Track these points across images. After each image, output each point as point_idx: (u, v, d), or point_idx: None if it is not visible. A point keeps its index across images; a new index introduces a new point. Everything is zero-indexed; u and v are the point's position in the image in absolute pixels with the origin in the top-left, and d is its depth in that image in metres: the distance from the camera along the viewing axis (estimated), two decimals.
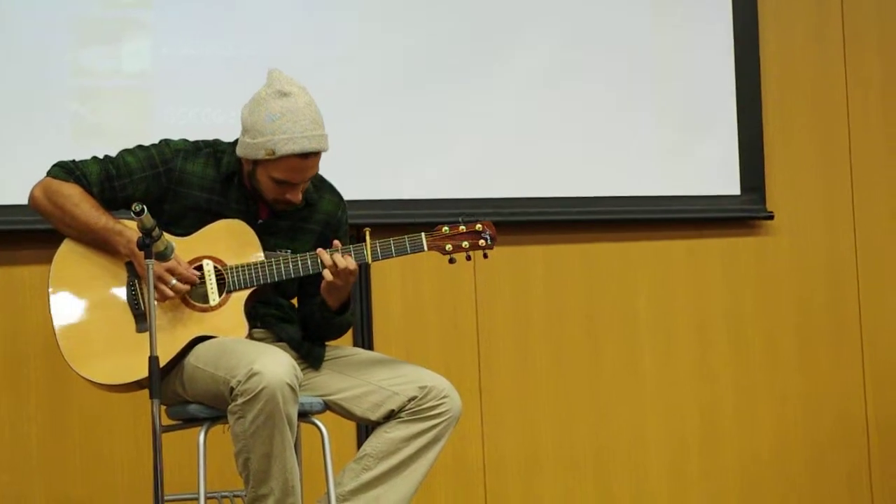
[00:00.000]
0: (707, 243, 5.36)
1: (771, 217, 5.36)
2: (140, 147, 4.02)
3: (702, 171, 5.33)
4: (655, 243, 5.32)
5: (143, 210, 3.60)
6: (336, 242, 3.94)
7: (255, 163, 3.93)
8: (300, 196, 3.96)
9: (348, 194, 4.18)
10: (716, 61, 5.35)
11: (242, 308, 3.92)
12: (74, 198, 3.94)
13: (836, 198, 5.48)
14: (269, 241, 3.98)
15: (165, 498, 3.60)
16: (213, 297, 3.93)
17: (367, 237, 3.93)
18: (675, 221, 5.33)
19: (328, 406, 4.02)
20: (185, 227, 3.97)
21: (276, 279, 3.93)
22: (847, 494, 5.38)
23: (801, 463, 5.37)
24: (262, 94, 3.93)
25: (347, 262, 3.90)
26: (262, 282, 3.93)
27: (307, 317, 4.09)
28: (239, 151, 3.96)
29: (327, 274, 3.89)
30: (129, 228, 3.90)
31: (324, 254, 3.91)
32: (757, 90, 5.37)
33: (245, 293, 3.93)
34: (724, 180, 5.35)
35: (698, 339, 5.33)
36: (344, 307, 4.03)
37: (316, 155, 3.93)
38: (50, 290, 3.95)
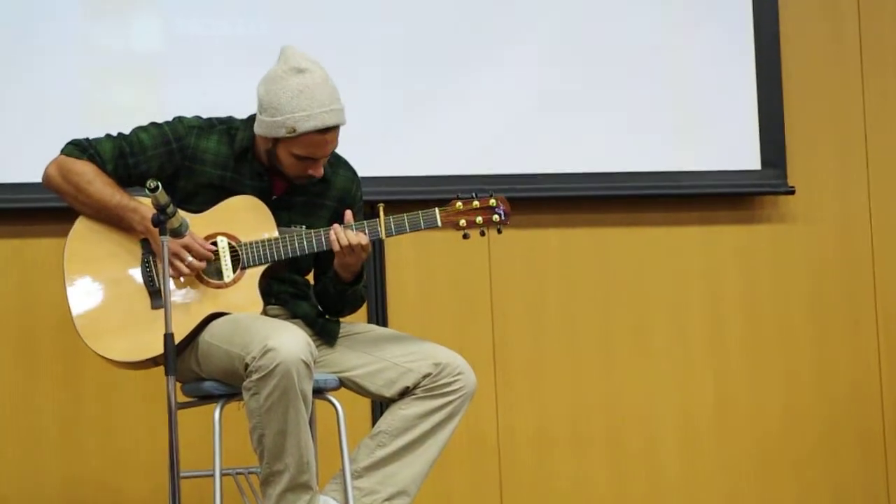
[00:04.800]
0: (726, 219, 5.33)
1: (792, 192, 5.32)
2: (154, 124, 4.02)
3: (721, 145, 5.30)
4: (672, 219, 5.29)
5: (157, 187, 3.60)
6: (348, 214, 3.94)
7: (276, 141, 3.93)
8: (322, 170, 3.97)
9: (362, 171, 4.18)
10: (735, 34, 5.31)
11: (257, 284, 3.92)
12: (88, 175, 3.95)
13: (852, 174, 5.45)
14: (283, 216, 3.99)
15: (181, 475, 3.60)
16: (228, 274, 3.93)
17: (381, 213, 3.93)
18: (693, 196, 5.30)
19: (343, 383, 4.02)
20: (199, 203, 3.98)
21: (290, 255, 3.93)
22: (861, 474, 5.37)
23: (815, 444, 5.34)
24: (277, 71, 3.93)
25: (360, 238, 3.90)
26: (276, 258, 3.93)
27: (321, 292, 4.10)
28: (258, 130, 3.96)
29: (336, 247, 3.89)
30: (144, 205, 3.90)
31: (337, 230, 3.91)
32: (777, 63, 5.32)
33: (259, 269, 3.93)
34: (744, 155, 5.31)
35: (712, 316, 5.31)
36: (357, 278, 4.03)
37: (335, 129, 3.93)
38: (65, 267, 3.96)
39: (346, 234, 3.90)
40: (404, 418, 3.95)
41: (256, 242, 3.93)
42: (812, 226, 5.41)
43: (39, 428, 4.77)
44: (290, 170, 3.96)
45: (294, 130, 3.88)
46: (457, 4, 5.13)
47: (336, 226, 3.92)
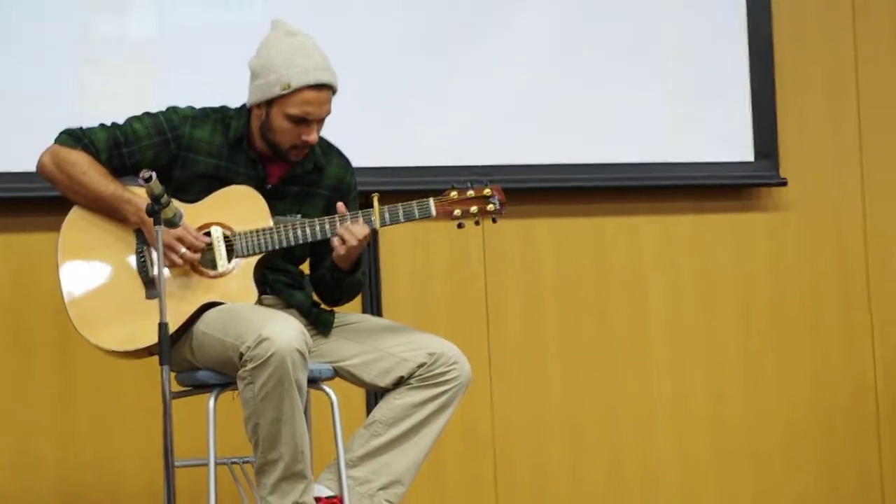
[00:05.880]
0: (719, 210, 5.34)
1: (784, 183, 5.33)
2: (148, 114, 4.02)
3: (714, 137, 5.30)
4: (666, 211, 5.30)
5: (151, 177, 3.59)
6: (341, 206, 3.94)
7: (269, 105, 3.93)
8: (316, 136, 3.96)
9: (357, 161, 4.18)
10: (727, 27, 5.31)
11: (251, 274, 3.92)
12: (82, 165, 3.94)
13: (845, 165, 5.46)
14: (278, 206, 3.98)
15: (175, 464, 3.61)
16: (222, 264, 3.93)
17: (376, 202, 3.92)
18: (687, 188, 5.31)
19: (337, 372, 4.02)
20: (194, 193, 3.98)
21: (285, 245, 3.93)
22: (856, 463, 5.38)
23: (811, 435, 5.35)
24: (269, 37, 3.97)
25: (365, 230, 3.88)
26: (270, 247, 3.92)
27: (318, 280, 4.10)
28: (251, 100, 3.96)
29: (336, 243, 3.89)
30: (138, 196, 3.90)
31: (340, 230, 3.90)
32: (770, 56, 5.32)
33: (254, 259, 3.93)
34: (737, 147, 5.31)
35: (706, 306, 5.32)
36: (355, 267, 4.03)
37: (329, 90, 3.94)
38: (59, 257, 3.95)
39: (352, 230, 3.89)
40: (399, 408, 3.96)
41: (251, 232, 3.93)
42: (806, 216, 5.42)
43: (34, 418, 4.76)
44: (283, 138, 3.94)
45: (289, 86, 3.88)
46: None
47: (340, 226, 3.90)
